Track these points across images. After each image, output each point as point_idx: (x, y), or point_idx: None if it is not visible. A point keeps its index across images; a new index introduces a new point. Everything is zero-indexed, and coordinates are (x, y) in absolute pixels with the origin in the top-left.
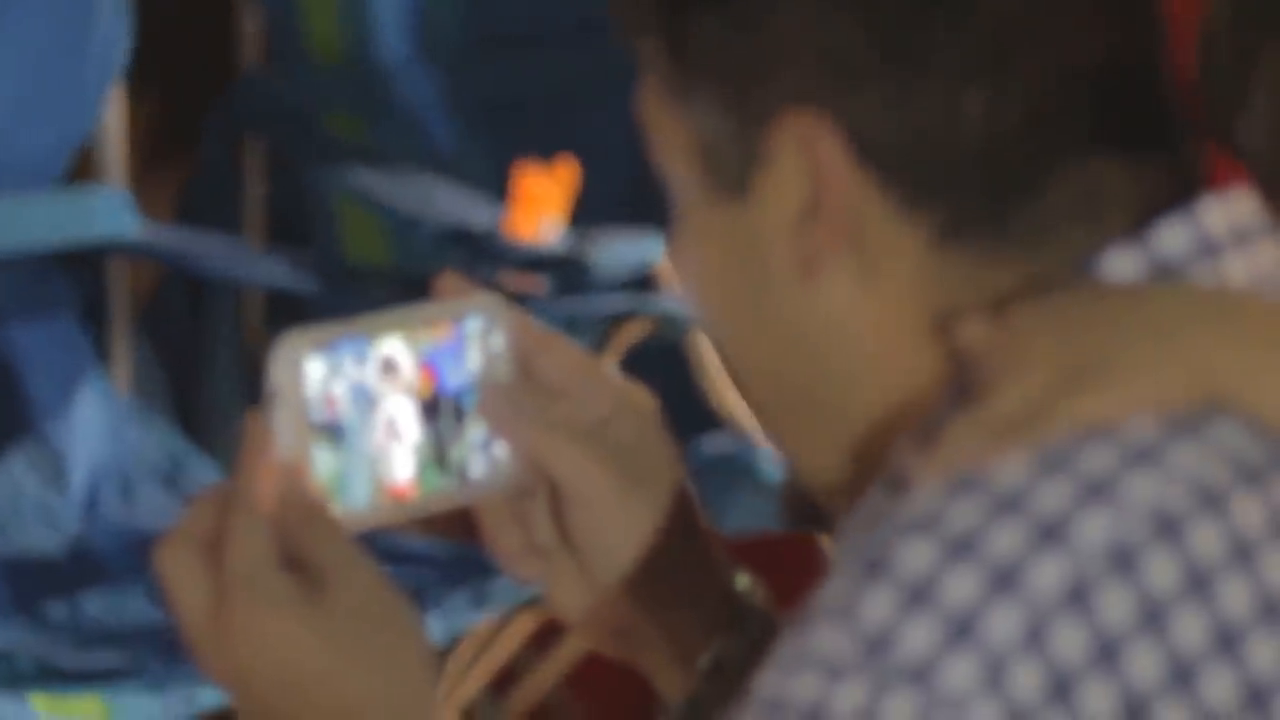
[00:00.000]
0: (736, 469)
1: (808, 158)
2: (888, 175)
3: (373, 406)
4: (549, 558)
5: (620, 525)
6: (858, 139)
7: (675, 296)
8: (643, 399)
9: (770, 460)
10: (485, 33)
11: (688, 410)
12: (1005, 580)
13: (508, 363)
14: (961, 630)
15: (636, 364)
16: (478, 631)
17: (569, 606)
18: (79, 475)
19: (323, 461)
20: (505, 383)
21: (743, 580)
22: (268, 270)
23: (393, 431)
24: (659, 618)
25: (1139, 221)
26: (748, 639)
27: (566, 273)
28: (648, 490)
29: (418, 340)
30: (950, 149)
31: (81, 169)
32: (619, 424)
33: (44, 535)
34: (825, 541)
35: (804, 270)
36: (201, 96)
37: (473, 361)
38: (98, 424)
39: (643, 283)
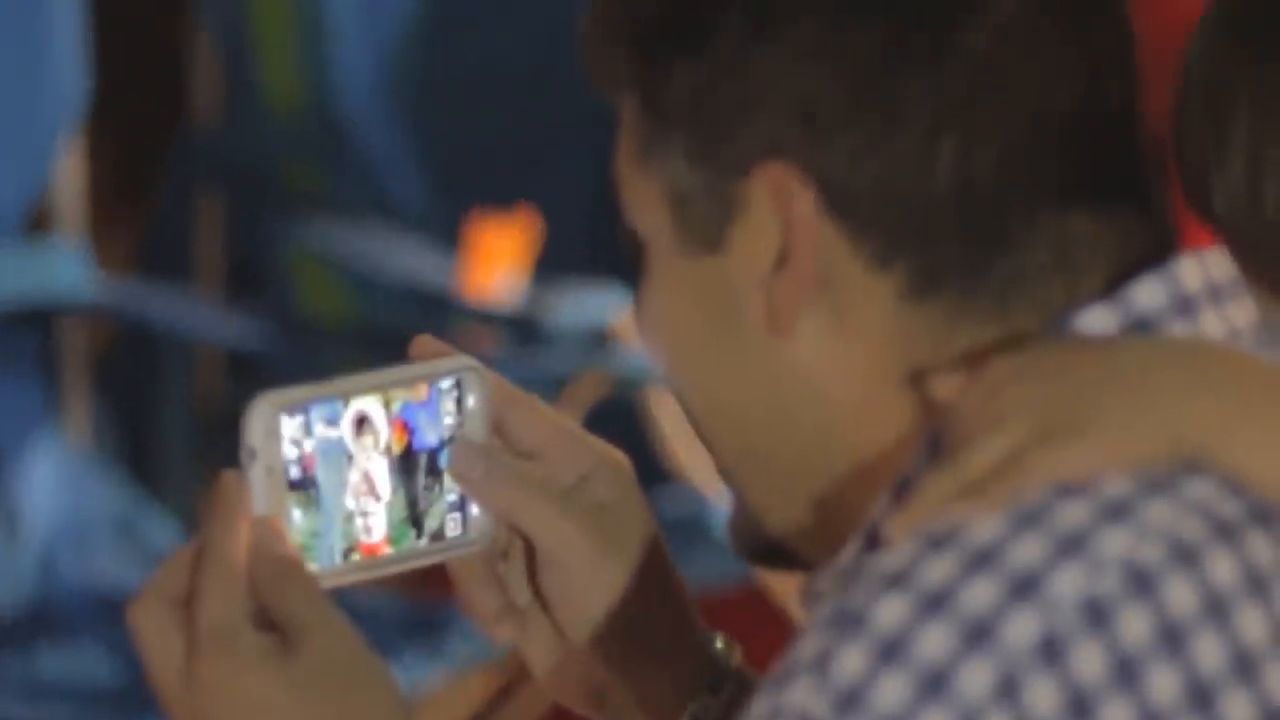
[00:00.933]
0: (691, 527)
1: (780, 209)
2: (859, 226)
3: (346, 465)
4: (524, 618)
5: (596, 585)
6: (829, 190)
7: (630, 352)
8: (618, 458)
9: (723, 519)
10: (444, 82)
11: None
12: (979, 635)
13: (482, 423)
14: (935, 685)
15: (590, 420)
16: (436, 690)
17: (544, 667)
18: (34, 531)
19: (296, 520)
20: (479, 443)
21: (719, 641)
22: (223, 326)
23: (366, 489)
24: (634, 679)
25: (1114, 275)
26: (724, 700)
27: (523, 329)
28: (624, 550)
29: (392, 399)
30: (922, 201)
31: (37, 221)
32: (595, 484)
33: None
34: (781, 596)
35: (775, 322)
36: (158, 147)
37: (447, 421)
38: (52, 479)
39: (598, 338)
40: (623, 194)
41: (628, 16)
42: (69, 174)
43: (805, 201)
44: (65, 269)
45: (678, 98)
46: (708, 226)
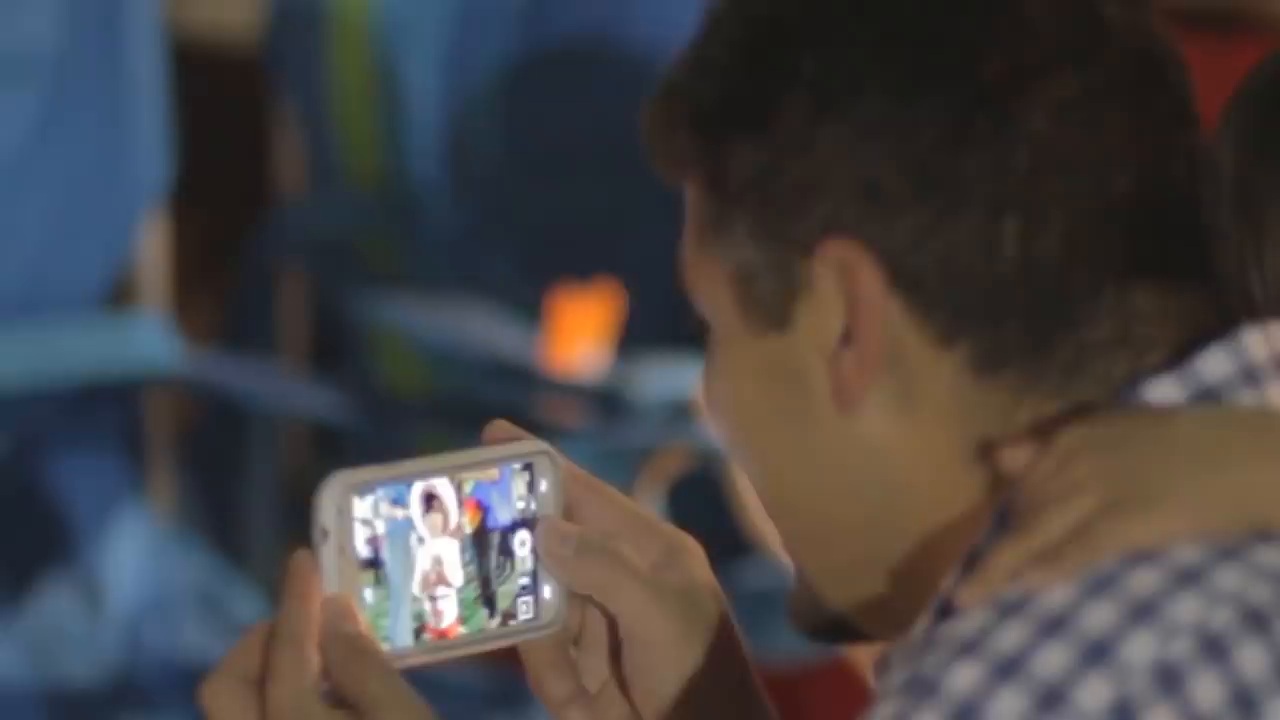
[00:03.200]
0: (774, 599)
1: (845, 286)
2: (924, 304)
3: (417, 546)
4: (596, 703)
5: (678, 669)
6: (893, 268)
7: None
8: (691, 544)
9: None
10: (524, 156)
11: (724, 539)
12: (1052, 700)
13: (555, 507)
14: None
15: (673, 493)
16: None
17: None
18: (119, 604)
19: (368, 599)
20: (563, 523)
21: None
22: (306, 400)
23: (437, 572)
24: None
25: (1178, 351)
26: None
27: (606, 402)
28: (702, 635)
29: (464, 478)
30: (986, 279)
31: (122, 294)
32: (670, 570)
33: (84, 665)
34: (859, 669)
35: (842, 399)
36: (241, 221)
37: (519, 504)
38: (138, 553)
39: (681, 411)
40: (688, 276)
41: (690, 98)
42: (154, 247)
43: (871, 278)
44: (150, 341)
45: (741, 178)
46: (773, 305)
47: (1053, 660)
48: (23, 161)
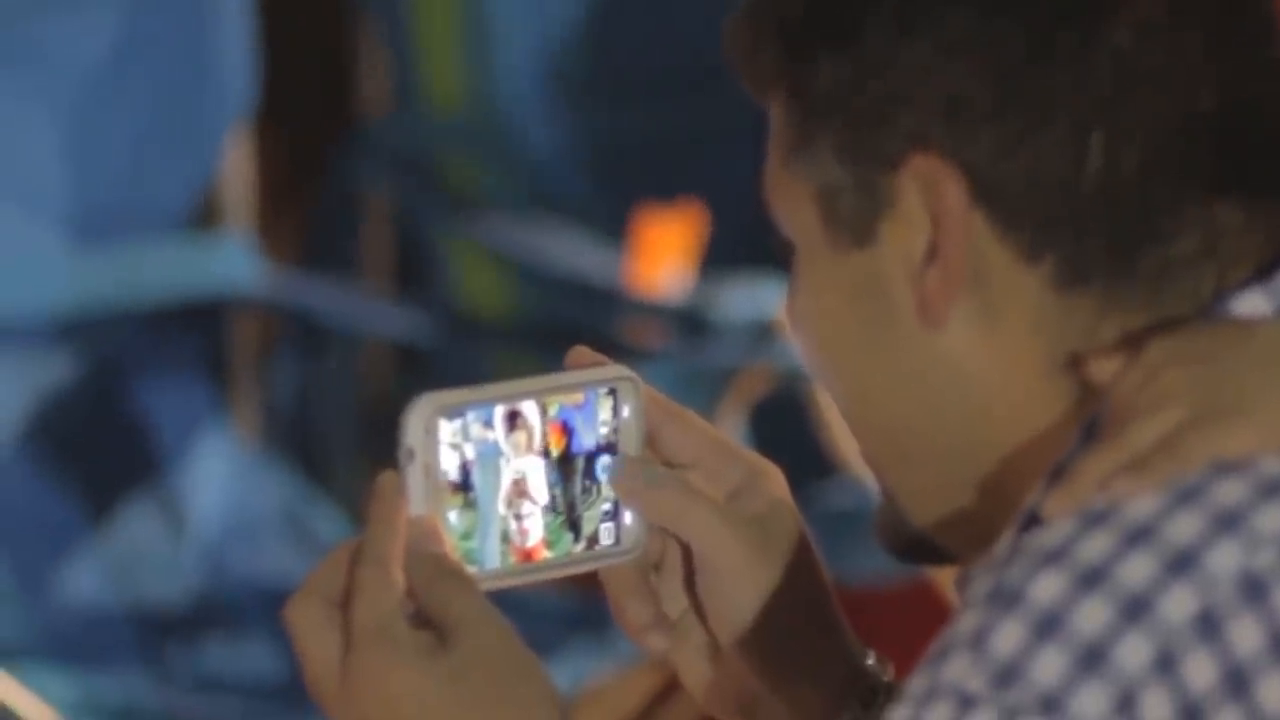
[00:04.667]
0: (858, 519)
1: (929, 202)
2: (1008, 219)
3: (504, 468)
4: (676, 629)
5: (753, 594)
6: (977, 183)
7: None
8: (771, 469)
9: None
10: (607, 76)
11: (808, 460)
12: (1136, 610)
13: (637, 434)
14: (1092, 660)
15: (757, 413)
16: (600, 686)
17: (695, 677)
18: (202, 525)
19: (453, 520)
20: (635, 453)
21: (871, 656)
22: (388, 320)
23: (523, 492)
24: (786, 690)
25: (1264, 264)
26: (876, 714)
27: (689, 322)
28: (779, 561)
29: (551, 400)
30: (1069, 194)
31: (205, 215)
32: (749, 495)
33: (168, 587)
34: (942, 590)
35: (927, 314)
36: (324, 140)
37: (604, 430)
38: (220, 474)
39: (764, 331)
40: (771, 194)
41: (775, 14)
42: (236, 169)
43: (955, 194)
44: (232, 263)
45: (825, 94)
46: (857, 221)
47: (1137, 570)
48: (104, 82)
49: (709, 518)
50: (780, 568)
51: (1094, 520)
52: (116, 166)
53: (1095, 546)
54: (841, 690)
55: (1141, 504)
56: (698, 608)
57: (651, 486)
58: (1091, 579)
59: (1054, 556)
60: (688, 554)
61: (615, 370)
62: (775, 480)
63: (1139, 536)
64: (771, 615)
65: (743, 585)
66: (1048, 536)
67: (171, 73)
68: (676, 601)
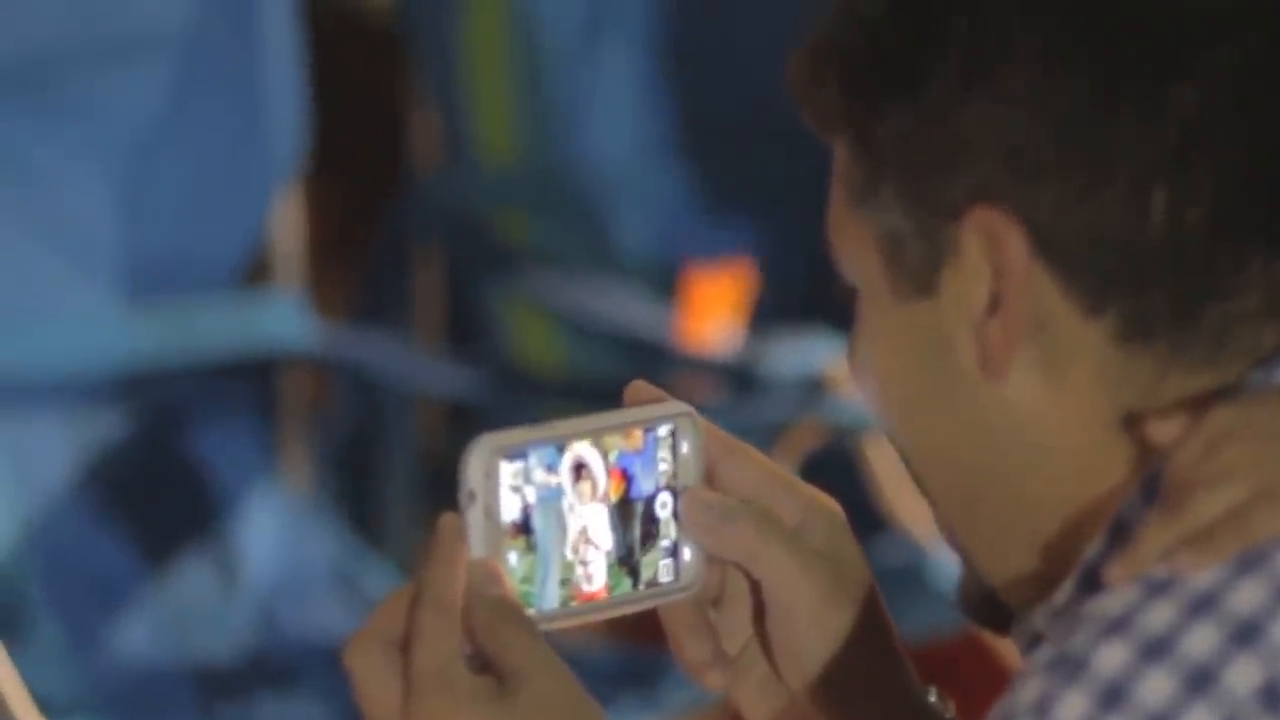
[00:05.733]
0: (909, 576)
1: (991, 253)
2: (1070, 272)
3: (564, 511)
4: (736, 665)
5: (820, 632)
6: (1039, 235)
7: (846, 401)
8: (832, 506)
9: (941, 568)
10: (658, 132)
11: (858, 515)
12: (1200, 681)
13: (696, 470)
14: None
15: (807, 468)
16: None
17: (757, 713)
18: (254, 581)
19: (513, 563)
20: (708, 490)
21: (933, 694)
22: (441, 376)
23: (584, 536)
24: None
25: None
26: None
27: (739, 377)
28: (847, 597)
29: (609, 445)
30: (1132, 249)
31: (257, 270)
32: (812, 531)
33: (220, 642)
34: (1000, 646)
35: (988, 366)
36: (376, 195)
37: (662, 467)
38: (273, 528)
39: (814, 386)
40: (835, 239)
41: (840, 55)
42: (288, 224)
43: (1017, 246)
44: (285, 318)
45: (889, 141)
46: (920, 270)
47: (1202, 640)
48: (157, 138)
49: (782, 552)
50: (848, 603)
51: (1156, 589)
52: (169, 222)
53: (1159, 616)
54: None
55: (1203, 572)
56: (763, 643)
57: (724, 520)
58: (1155, 649)
59: (1117, 626)
60: (756, 589)
61: (674, 406)
62: (838, 515)
63: (1202, 606)
64: (840, 653)
65: (813, 623)
66: (1110, 604)
67: (224, 128)
68: (736, 637)
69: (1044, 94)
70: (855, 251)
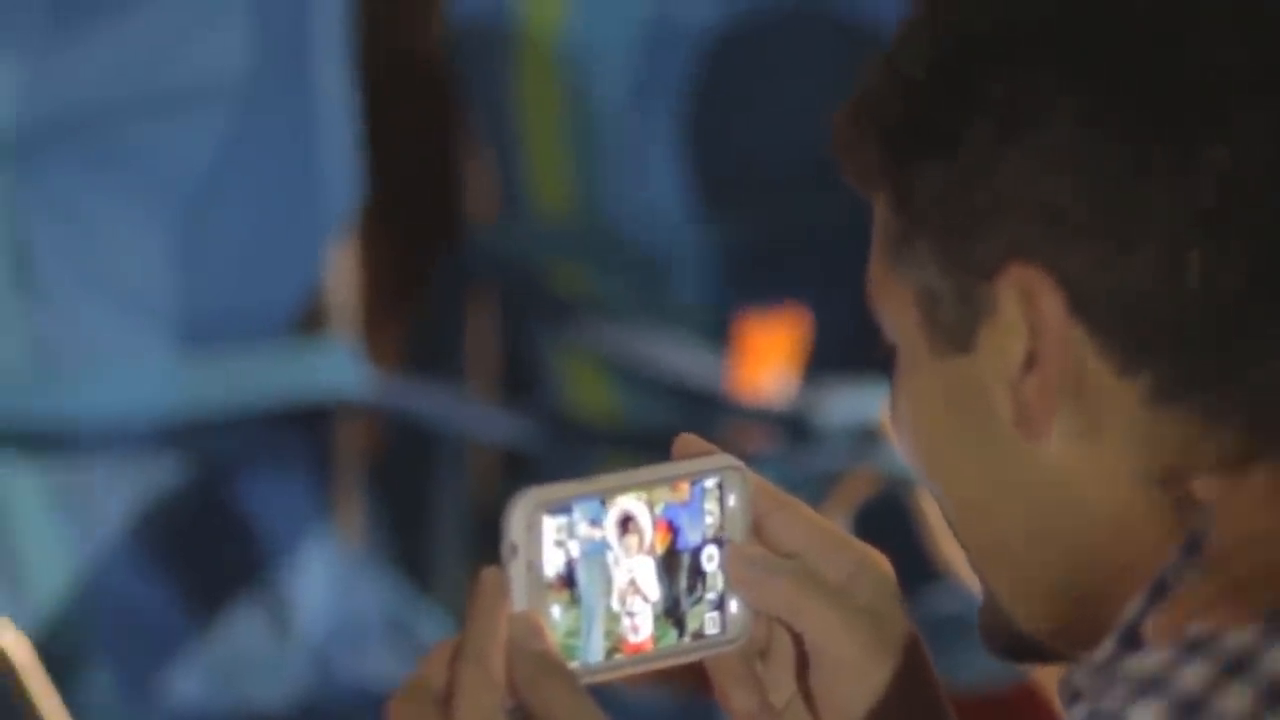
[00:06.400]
0: (963, 624)
1: (1028, 311)
2: (1106, 333)
3: (610, 565)
4: (782, 717)
5: (864, 686)
6: (1076, 294)
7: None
8: (880, 560)
9: None
10: (710, 182)
11: (912, 564)
12: None
13: (743, 523)
14: None
15: (860, 518)
16: None
17: None
18: (308, 627)
19: (556, 617)
20: (745, 542)
21: None
22: (493, 424)
23: (631, 589)
24: None
25: None
26: None
27: (793, 427)
28: (891, 653)
29: (655, 498)
30: (1170, 309)
31: (310, 319)
32: (858, 586)
33: (273, 691)
34: (1048, 694)
35: (1026, 424)
36: (430, 244)
37: (709, 520)
38: (327, 576)
39: (868, 435)
40: (874, 292)
41: (876, 116)
42: (342, 272)
43: (1053, 304)
44: (338, 367)
45: (926, 199)
46: (957, 327)
47: (1235, 702)
48: (212, 187)
49: (825, 608)
50: (893, 660)
51: (1192, 648)
52: (223, 271)
53: (1193, 676)
54: None
55: (1240, 633)
56: (807, 697)
57: (767, 575)
58: (1189, 711)
59: (1151, 686)
60: (798, 642)
61: (722, 459)
62: (885, 570)
63: (1237, 667)
64: (884, 708)
65: (857, 677)
66: (1145, 663)
67: (277, 176)
68: (783, 689)
69: (1079, 155)
70: (894, 308)
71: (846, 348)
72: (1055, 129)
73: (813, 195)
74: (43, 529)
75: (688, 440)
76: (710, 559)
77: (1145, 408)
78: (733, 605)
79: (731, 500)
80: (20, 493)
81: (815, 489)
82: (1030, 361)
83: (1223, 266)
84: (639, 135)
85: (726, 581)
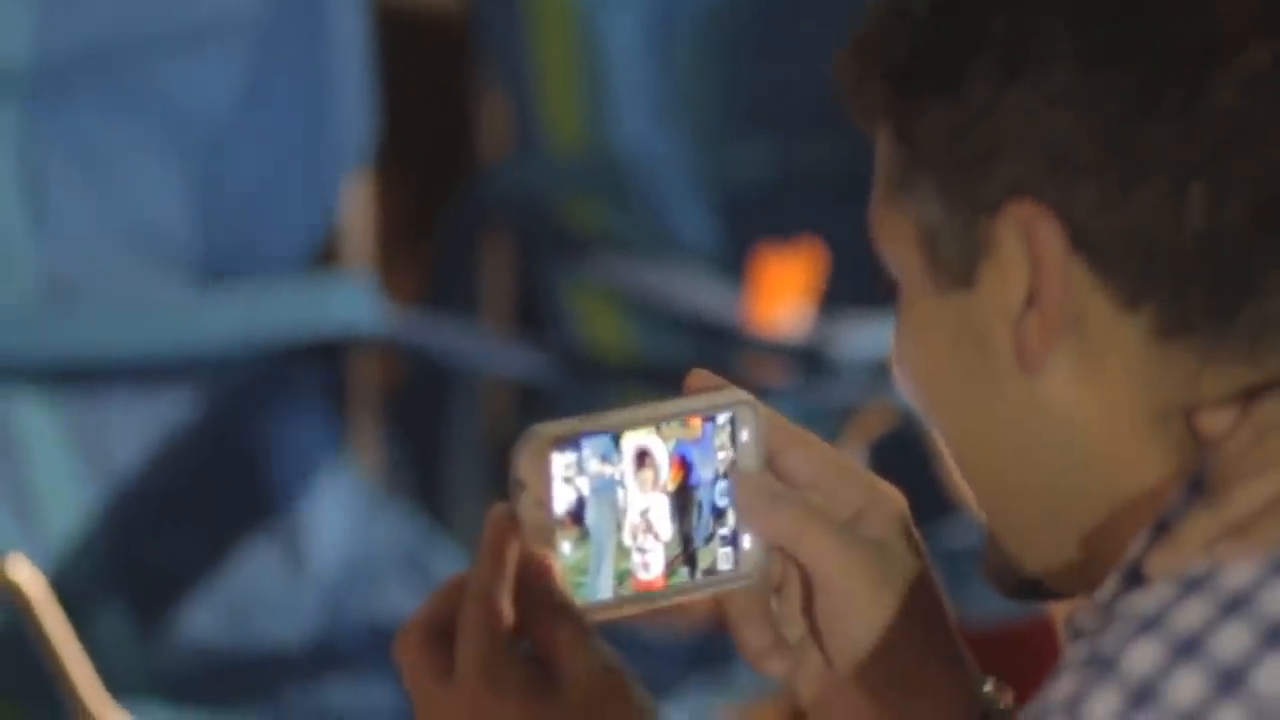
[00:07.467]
0: (977, 560)
1: (1029, 247)
2: (1107, 269)
3: (622, 500)
4: (795, 652)
5: (870, 618)
6: (1077, 231)
7: None
8: (892, 494)
9: None
10: (726, 115)
11: (928, 498)
12: (1230, 682)
13: (756, 458)
14: None
15: (876, 451)
16: None
17: (813, 700)
18: (322, 564)
19: (565, 553)
20: (760, 475)
21: (989, 684)
22: (509, 360)
23: (643, 525)
24: (900, 716)
25: None
26: None
27: (809, 360)
28: (898, 585)
29: (667, 434)
30: (1170, 246)
31: (326, 255)
32: (869, 519)
33: (285, 624)
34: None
35: (1025, 359)
36: (445, 183)
37: (721, 456)
38: (342, 512)
39: (884, 369)
40: (876, 229)
41: (881, 54)
42: (358, 209)
43: (1054, 241)
44: (354, 303)
45: (930, 136)
46: (958, 263)
47: (1232, 641)
48: (227, 124)
49: (827, 539)
50: (899, 592)
51: (1191, 586)
52: (236, 208)
53: (1191, 615)
54: (957, 717)
55: (1239, 572)
56: (814, 630)
57: (773, 503)
58: (1186, 649)
59: (1149, 624)
60: (805, 576)
61: (734, 394)
62: (896, 504)
63: (1235, 606)
64: (888, 640)
65: (860, 609)
66: (1144, 602)
67: (293, 113)
68: (796, 626)
69: (1083, 92)
70: (896, 244)
71: (862, 281)
72: (1059, 67)
73: (827, 129)
74: (57, 465)
75: (700, 375)
76: (723, 494)
77: (1146, 344)
78: (746, 542)
79: (744, 435)
80: (35, 429)
81: (831, 423)
82: (1031, 298)
83: (1225, 204)
84: (652, 72)
85: (740, 518)
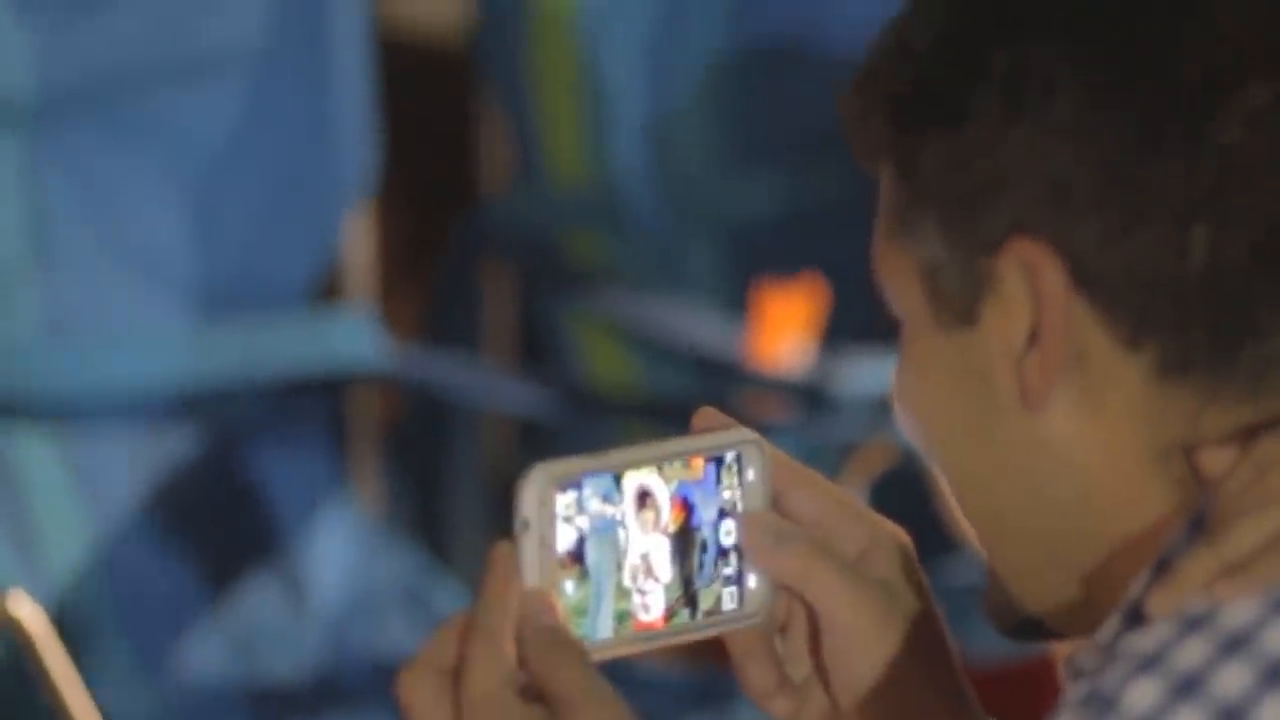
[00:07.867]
0: (977, 596)
1: (1031, 285)
2: (1109, 306)
3: (623, 540)
4: (800, 692)
5: (875, 658)
6: (1079, 268)
7: None
8: (896, 532)
9: None
10: (728, 152)
11: (929, 535)
12: None
13: (762, 497)
14: None
15: (877, 488)
16: None
17: None
18: (323, 599)
19: (568, 592)
20: (768, 513)
21: None
22: (511, 396)
23: (644, 566)
24: None
25: None
26: None
27: (810, 397)
28: (903, 626)
29: (669, 475)
30: (1172, 285)
31: (327, 289)
32: (874, 558)
33: (286, 660)
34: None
35: (1028, 398)
36: (446, 215)
37: (725, 495)
38: (343, 547)
39: (885, 406)
40: (878, 266)
41: (884, 89)
42: (359, 243)
43: (1056, 278)
44: (355, 337)
45: (931, 171)
46: (960, 301)
47: (1232, 680)
48: (228, 157)
49: (835, 577)
50: (904, 632)
51: (1191, 625)
52: (239, 240)
53: (1191, 654)
54: None
55: (1239, 611)
56: (820, 670)
57: (779, 542)
58: (1186, 688)
59: (1149, 663)
60: (812, 615)
61: (741, 434)
62: (902, 545)
63: (1235, 645)
64: (894, 681)
65: (866, 649)
66: (1144, 641)
67: (294, 147)
68: (801, 666)
69: (1085, 129)
70: (898, 281)
71: (864, 317)
72: (1061, 103)
73: (829, 164)
74: (58, 500)
75: (707, 413)
76: (728, 534)
77: (1148, 383)
78: (751, 581)
79: (750, 474)
80: (35, 463)
81: (833, 459)
82: (1033, 336)
83: (1227, 242)
84: (654, 107)
85: (744, 556)
